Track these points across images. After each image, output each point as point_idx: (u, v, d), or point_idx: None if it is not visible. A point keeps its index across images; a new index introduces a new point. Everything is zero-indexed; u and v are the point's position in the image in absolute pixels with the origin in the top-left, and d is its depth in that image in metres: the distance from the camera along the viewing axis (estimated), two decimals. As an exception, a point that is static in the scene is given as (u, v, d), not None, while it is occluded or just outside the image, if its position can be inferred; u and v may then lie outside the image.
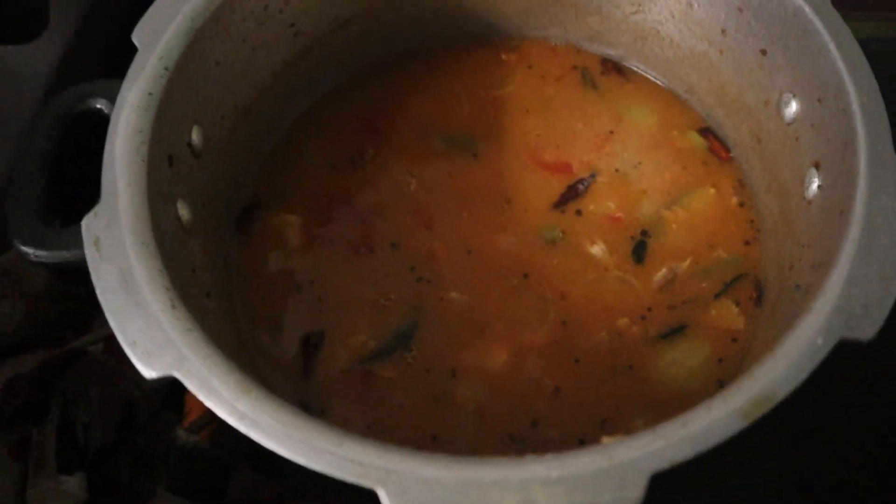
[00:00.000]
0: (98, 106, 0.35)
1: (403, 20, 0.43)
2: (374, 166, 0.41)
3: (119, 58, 0.58)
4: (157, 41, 0.33)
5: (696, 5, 0.38)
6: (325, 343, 0.36)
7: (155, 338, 0.26)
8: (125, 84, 0.32)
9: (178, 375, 0.25)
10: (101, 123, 0.37)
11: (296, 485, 0.39)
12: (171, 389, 0.43)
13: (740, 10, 0.35)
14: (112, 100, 0.35)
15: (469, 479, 0.23)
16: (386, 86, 0.43)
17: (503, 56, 0.44)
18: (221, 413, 0.24)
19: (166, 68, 0.32)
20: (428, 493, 0.22)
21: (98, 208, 0.29)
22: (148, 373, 0.25)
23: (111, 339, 0.42)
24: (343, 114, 0.42)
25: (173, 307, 0.27)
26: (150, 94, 0.32)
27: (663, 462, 0.23)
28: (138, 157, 0.30)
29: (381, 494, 0.23)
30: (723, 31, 0.37)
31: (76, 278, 0.44)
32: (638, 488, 0.23)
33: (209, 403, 0.25)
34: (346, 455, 0.23)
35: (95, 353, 0.41)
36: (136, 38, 0.33)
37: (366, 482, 0.23)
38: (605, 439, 0.25)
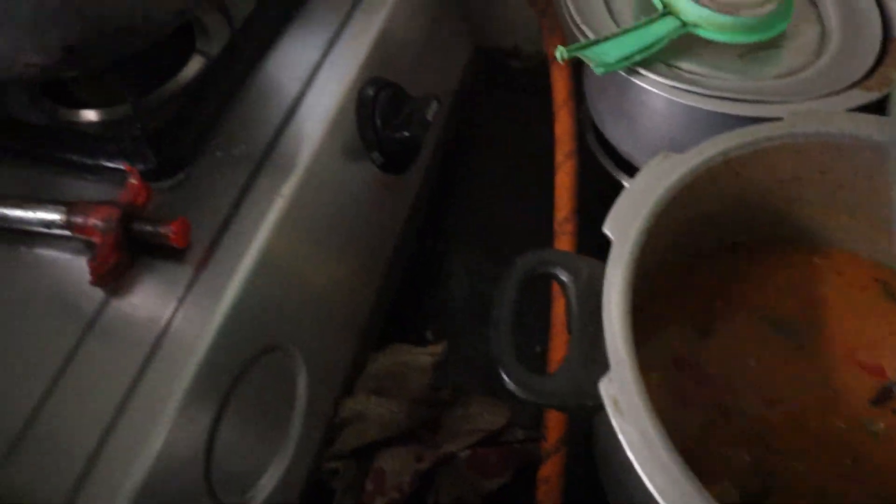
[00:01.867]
0: (555, 272, 0.43)
1: (730, 219, 0.52)
2: (718, 340, 0.49)
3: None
4: (627, 236, 0.42)
5: None
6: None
7: (680, 493, 0.34)
8: (610, 269, 0.40)
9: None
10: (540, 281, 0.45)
11: None
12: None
13: None
14: (565, 268, 0.44)
15: None
16: (719, 270, 0.52)
17: (815, 259, 0.53)
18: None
19: (633, 260, 0.41)
20: None
21: (611, 374, 0.37)
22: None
23: (475, 447, 0.50)
24: (687, 289, 0.51)
25: (686, 470, 0.34)
26: (624, 279, 0.40)
27: None
28: (629, 332, 0.39)
29: None
30: None
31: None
32: None
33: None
34: None
35: (464, 458, 0.49)
36: (608, 229, 0.42)
37: None
38: None
